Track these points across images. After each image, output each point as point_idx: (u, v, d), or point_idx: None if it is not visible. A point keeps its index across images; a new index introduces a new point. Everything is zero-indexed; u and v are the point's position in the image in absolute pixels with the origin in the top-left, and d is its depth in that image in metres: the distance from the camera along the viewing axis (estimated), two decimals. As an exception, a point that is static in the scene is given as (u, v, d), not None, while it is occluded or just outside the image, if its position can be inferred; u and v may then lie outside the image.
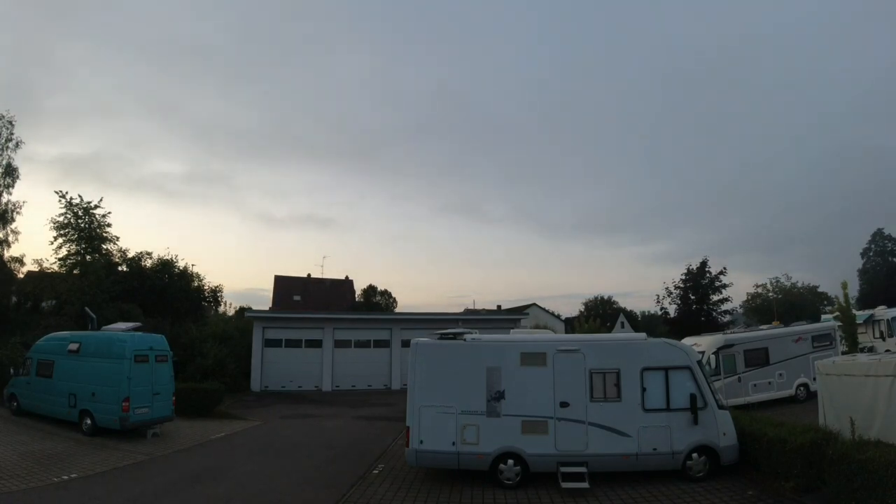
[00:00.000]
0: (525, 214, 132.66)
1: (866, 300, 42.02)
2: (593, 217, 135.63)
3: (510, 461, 9.30)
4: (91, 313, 18.26)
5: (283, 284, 47.83)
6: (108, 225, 26.21)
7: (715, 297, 38.41)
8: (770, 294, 52.86)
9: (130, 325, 15.50)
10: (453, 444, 9.39)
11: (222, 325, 28.09)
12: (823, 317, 26.73)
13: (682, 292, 39.52)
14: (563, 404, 9.39)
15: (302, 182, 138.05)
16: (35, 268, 26.98)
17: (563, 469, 9.12)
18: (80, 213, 25.17)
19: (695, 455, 9.30)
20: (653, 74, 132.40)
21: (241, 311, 40.59)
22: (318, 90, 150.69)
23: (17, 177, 27.13)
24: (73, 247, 25.13)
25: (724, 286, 38.34)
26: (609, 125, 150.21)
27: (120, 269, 26.55)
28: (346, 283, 53.37)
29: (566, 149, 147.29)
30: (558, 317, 64.84)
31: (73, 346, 13.92)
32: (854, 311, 22.26)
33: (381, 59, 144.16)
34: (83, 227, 25.25)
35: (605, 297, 75.47)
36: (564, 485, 8.94)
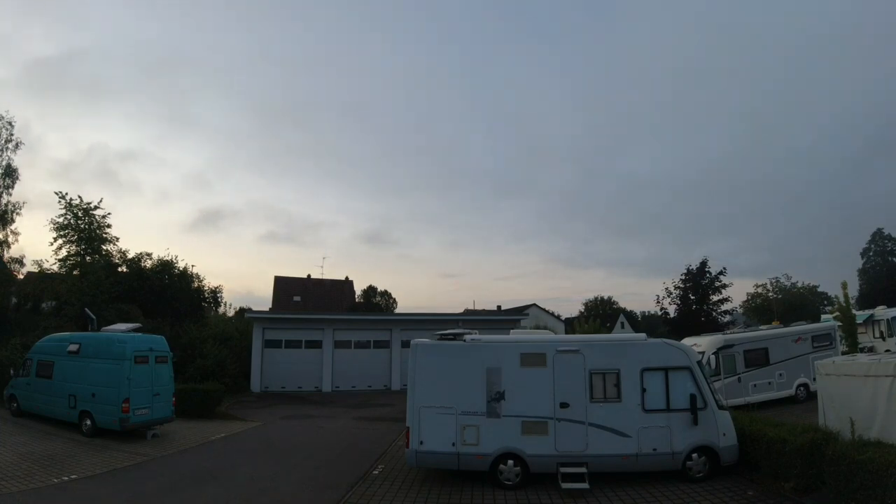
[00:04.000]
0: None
1: (866, 300, 42.01)
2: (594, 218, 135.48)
3: (510, 462, 9.30)
4: (91, 314, 18.24)
5: (283, 285, 47.80)
6: (108, 226, 26.18)
7: (715, 298, 38.32)
8: (770, 294, 52.89)
9: (130, 325, 15.49)
10: (453, 444, 9.39)
11: (222, 325, 28.11)
12: (823, 317, 26.71)
13: (681, 292, 39.43)
14: (563, 405, 9.39)
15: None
16: (35, 269, 27.02)
17: (563, 470, 9.12)
18: (80, 214, 25.13)
19: (695, 455, 9.29)
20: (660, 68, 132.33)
21: (241, 311, 40.61)
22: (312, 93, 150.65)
23: (17, 178, 27.31)
24: (73, 248, 25.07)
25: (724, 286, 38.28)
26: (607, 123, 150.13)
27: (120, 269, 26.49)
28: (346, 284, 53.33)
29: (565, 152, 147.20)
30: (558, 317, 64.91)
31: (73, 347, 13.91)
32: (854, 311, 22.22)
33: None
34: (83, 228, 25.20)
35: (605, 298, 75.73)
36: (564, 485, 8.94)
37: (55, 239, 24.75)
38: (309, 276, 51.15)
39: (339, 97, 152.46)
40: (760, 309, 50.02)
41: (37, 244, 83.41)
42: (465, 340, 10.07)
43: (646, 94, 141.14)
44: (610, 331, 49.58)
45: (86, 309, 19.07)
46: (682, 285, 39.58)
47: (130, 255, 27.46)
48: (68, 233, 24.87)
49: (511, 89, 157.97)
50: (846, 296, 20.79)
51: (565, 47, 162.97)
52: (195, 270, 28.52)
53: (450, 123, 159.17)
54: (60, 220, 24.77)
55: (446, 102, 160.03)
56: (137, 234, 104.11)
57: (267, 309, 42.03)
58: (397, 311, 54.97)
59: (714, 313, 38.39)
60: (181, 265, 27.60)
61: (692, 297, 38.94)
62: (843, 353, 17.42)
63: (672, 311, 40.50)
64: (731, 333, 19.93)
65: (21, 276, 28.35)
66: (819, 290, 51.85)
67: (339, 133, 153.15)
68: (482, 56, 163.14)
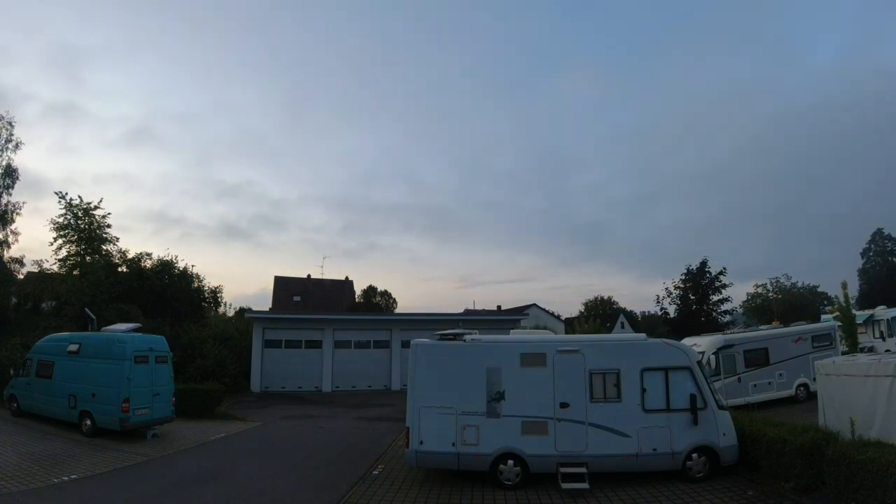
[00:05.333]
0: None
1: (866, 300, 41.98)
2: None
3: (510, 462, 9.30)
4: (91, 314, 18.24)
5: (283, 285, 47.81)
6: (108, 226, 26.19)
7: (715, 298, 38.33)
8: (770, 294, 52.90)
9: (130, 325, 15.49)
10: (453, 444, 9.38)
11: (222, 325, 28.08)
12: (823, 317, 26.70)
13: (681, 293, 39.43)
14: (563, 405, 9.39)
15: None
16: (35, 268, 27.01)
17: (563, 470, 9.12)
18: (80, 214, 25.13)
19: (695, 455, 9.29)
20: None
21: (241, 311, 40.58)
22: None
23: (17, 178, 27.34)
24: (73, 248, 25.08)
25: (724, 286, 38.29)
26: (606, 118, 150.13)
27: (120, 269, 26.47)
28: (347, 284, 53.34)
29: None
30: (558, 317, 64.81)
31: (73, 347, 13.90)
32: (854, 311, 22.21)
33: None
34: (83, 229, 25.21)
35: (605, 298, 75.57)
36: (564, 485, 8.94)
37: (55, 239, 24.78)
38: (309, 276, 51.20)
39: (356, 95, 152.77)
40: (760, 309, 50.03)
41: (36, 243, 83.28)
42: (465, 340, 10.07)
43: (651, 97, 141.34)
44: (610, 331, 49.59)
45: (86, 309, 19.06)
46: (682, 285, 39.58)
47: (130, 255, 27.47)
48: (68, 233, 24.87)
49: (530, 91, 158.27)
50: (846, 296, 20.75)
51: (592, 62, 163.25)
52: (195, 270, 28.53)
53: (464, 124, 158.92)
54: (60, 220, 24.79)
55: (461, 103, 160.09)
56: (129, 229, 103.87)
57: (267, 309, 42.05)
58: (397, 311, 54.95)
59: (714, 313, 38.38)
60: (181, 265, 27.61)
61: (692, 298, 38.94)
62: (843, 353, 17.42)
63: (672, 311, 40.52)
64: (731, 333, 19.93)
65: (21, 276, 28.35)
66: (819, 290, 51.94)
67: (342, 129, 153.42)
68: (506, 59, 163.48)
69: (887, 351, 19.95)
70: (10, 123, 26.82)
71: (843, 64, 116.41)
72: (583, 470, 9.07)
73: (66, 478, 9.56)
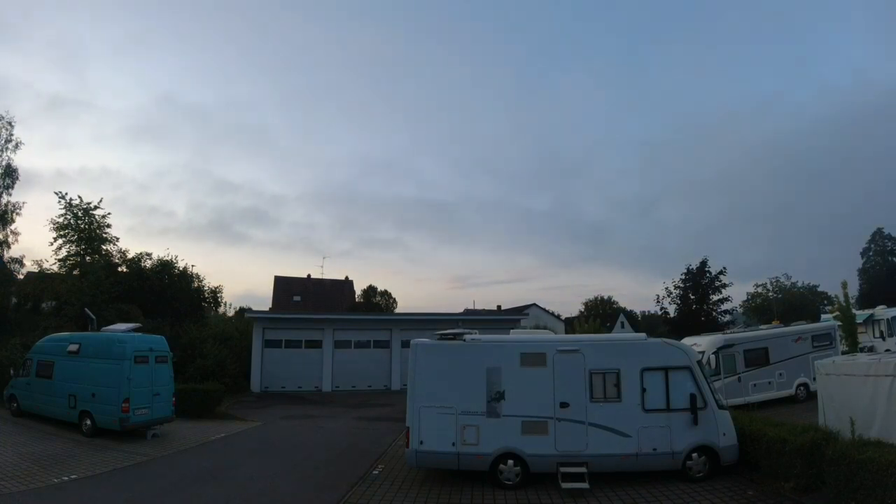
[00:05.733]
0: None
1: (866, 300, 42.00)
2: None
3: (510, 461, 9.30)
4: (91, 314, 18.24)
5: (283, 285, 47.83)
6: (108, 226, 26.21)
7: (715, 297, 38.36)
8: (770, 294, 52.92)
9: (130, 325, 15.50)
10: (453, 444, 9.38)
11: (222, 325, 28.10)
12: (823, 316, 26.71)
13: (681, 292, 39.47)
14: (563, 405, 9.39)
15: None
16: (35, 268, 27.02)
17: (563, 469, 9.12)
18: (79, 214, 25.14)
19: (695, 455, 9.29)
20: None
21: (241, 311, 40.60)
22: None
23: (17, 178, 27.34)
24: (73, 248, 25.09)
25: (724, 286, 38.33)
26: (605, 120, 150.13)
27: (119, 269, 26.47)
28: (347, 284, 53.37)
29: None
30: (558, 317, 64.79)
31: (73, 347, 13.91)
32: (854, 311, 22.21)
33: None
34: (83, 228, 25.21)
35: (605, 297, 75.55)
36: (564, 485, 8.94)
37: (55, 239, 24.79)
38: (309, 275, 51.23)
39: (357, 94, 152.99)
40: (760, 309, 50.06)
41: (36, 243, 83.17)
42: (465, 340, 10.07)
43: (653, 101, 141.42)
44: (610, 331, 49.56)
45: (86, 309, 19.07)
46: (682, 285, 39.62)
47: (130, 255, 27.47)
48: (68, 233, 24.88)
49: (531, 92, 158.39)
50: (846, 296, 20.76)
51: (595, 64, 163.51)
52: (195, 270, 28.53)
53: (465, 124, 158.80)
54: (60, 220, 24.79)
55: (462, 102, 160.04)
56: (124, 226, 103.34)
57: (267, 309, 42.02)
58: (397, 311, 54.94)
59: (714, 313, 38.42)
60: (181, 265, 27.60)
61: (692, 297, 38.98)
62: (843, 353, 17.42)
63: (672, 311, 40.56)
64: (731, 333, 19.94)
65: (21, 276, 28.36)
66: (819, 290, 51.97)
67: (342, 128, 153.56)
68: (507, 59, 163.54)
69: (887, 351, 19.94)
70: (9, 123, 26.86)
71: (849, 80, 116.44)
72: (583, 469, 9.07)
73: (66, 478, 9.56)
